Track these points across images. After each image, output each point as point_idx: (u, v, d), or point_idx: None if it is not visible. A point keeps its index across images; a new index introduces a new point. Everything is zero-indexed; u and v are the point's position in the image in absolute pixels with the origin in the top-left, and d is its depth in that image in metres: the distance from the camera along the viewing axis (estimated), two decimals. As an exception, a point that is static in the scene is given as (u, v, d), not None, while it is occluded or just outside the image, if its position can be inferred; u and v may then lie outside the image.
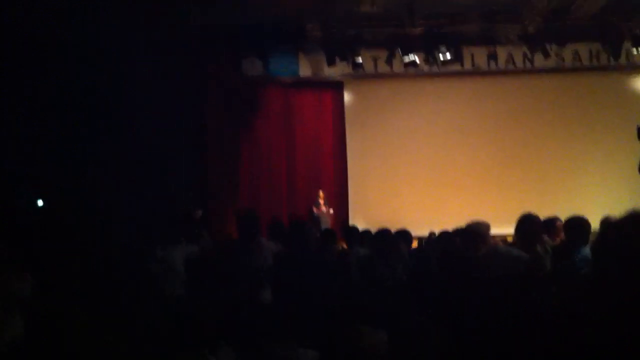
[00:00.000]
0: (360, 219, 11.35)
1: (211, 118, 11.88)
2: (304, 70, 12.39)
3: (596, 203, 10.54)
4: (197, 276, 4.09)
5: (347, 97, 13.20)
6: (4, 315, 2.85)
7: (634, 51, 11.23)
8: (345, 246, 6.58)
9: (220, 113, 12.06)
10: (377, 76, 12.43)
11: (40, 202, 9.69)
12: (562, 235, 4.75)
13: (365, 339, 2.26)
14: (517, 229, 4.39)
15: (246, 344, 2.60)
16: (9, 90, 8.72)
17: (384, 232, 5.28)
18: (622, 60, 11.58)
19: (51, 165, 9.29)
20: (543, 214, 4.54)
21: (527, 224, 4.34)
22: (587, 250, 4.02)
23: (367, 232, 6.48)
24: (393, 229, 5.82)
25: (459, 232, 5.13)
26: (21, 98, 8.93)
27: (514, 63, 12.00)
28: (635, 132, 9.83)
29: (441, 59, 11.17)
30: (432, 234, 8.84)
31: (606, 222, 4.39)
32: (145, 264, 4.70)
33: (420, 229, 9.35)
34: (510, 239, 5.82)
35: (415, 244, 7.93)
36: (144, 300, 3.27)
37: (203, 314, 2.56)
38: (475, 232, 4.26)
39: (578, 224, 4.36)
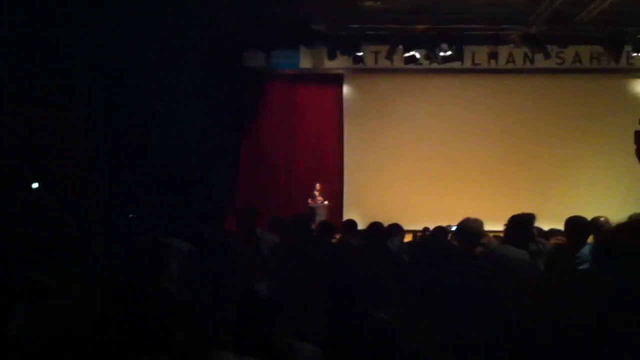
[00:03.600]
0: (354, 213, 11.32)
1: (212, 111, 11.84)
2: (305, 63, 12.42)
3: (591, 203, 10.56)
4: (191, 274, 3.97)
5: (346, 90, 13.23)
6: None
7: (635, 55, 11.36)
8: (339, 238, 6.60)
9: (220, 106, 12.02)
10: (377, 71, 12.47)
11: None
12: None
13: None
14: (509, 226, 4.43)
15: (243, 339, 2.50)
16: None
17: (374, 226, 5.30)
18: (623, 63, 11.67)
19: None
20: (539, 212, 4.58)
21: (519, 222, 4.37)
22: (586, 250, 4.07)
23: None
24: (386, 223, 5.87)
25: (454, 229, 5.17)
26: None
27: (514, 62, 12.09)
28: (632, 135, 10.00)
29: (441, 55, 11.20)
30: (426, 229, 8.93)
31: (597, 223, 4.50)
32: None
33: (414, 224, 9.43)
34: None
35: (409, 238, 8.03)
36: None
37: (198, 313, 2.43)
38: (470, 228, 4.28)
39: (581, 224, 4.44)
